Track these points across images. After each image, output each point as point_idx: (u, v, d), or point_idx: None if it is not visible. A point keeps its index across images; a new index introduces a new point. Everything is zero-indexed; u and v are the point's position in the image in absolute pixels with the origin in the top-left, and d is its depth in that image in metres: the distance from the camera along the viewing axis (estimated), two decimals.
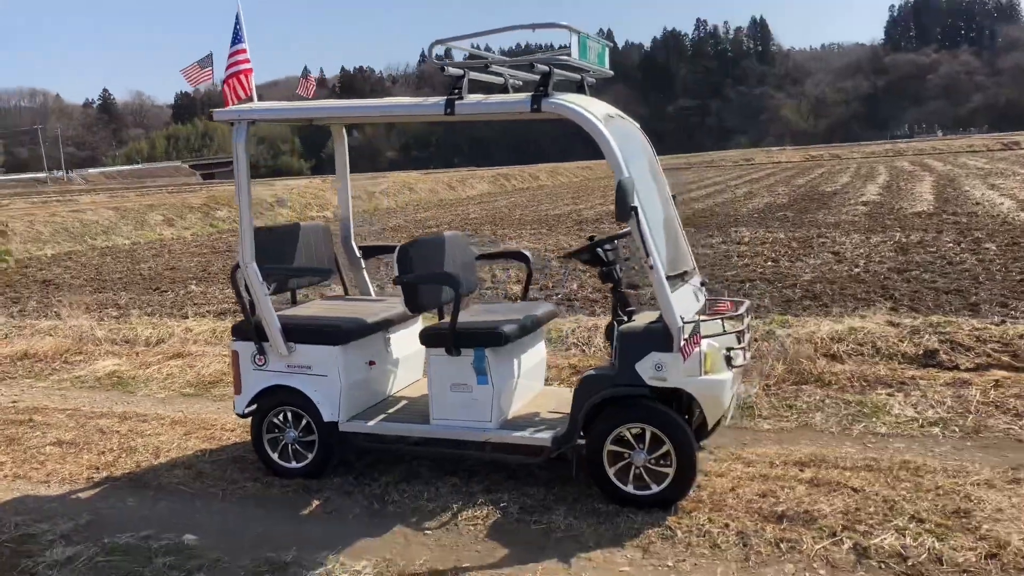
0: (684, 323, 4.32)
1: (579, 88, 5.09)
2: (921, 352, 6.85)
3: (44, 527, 4.62)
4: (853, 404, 5.87)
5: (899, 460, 4.88)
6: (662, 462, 4.43)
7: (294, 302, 5.80)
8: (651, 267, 4.33)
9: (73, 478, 5.39)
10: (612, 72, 5.18)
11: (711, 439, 5.32)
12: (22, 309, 12.31)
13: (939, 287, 9.85)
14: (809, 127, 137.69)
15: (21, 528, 4.63)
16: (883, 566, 3.78)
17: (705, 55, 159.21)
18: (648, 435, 4.42)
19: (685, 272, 4.76)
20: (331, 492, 4.93)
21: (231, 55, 5.36)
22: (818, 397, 6.03)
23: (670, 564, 3.93)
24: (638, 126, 5.20)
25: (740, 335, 4.64)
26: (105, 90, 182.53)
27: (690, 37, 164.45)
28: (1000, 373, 6.19)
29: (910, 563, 3.77)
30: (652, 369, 4.40)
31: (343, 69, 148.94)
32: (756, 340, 7.10)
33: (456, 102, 4.55)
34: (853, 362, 6.73)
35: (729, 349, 4.54)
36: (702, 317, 4.50)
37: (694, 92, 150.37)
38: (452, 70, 4.54)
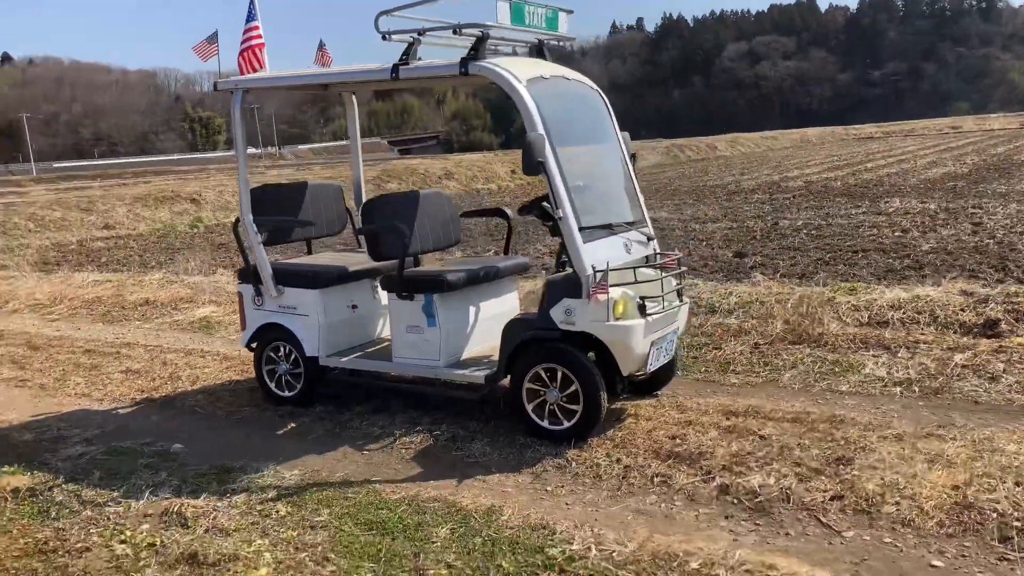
0: (595, 271, 4.61)
1: (538, 53, 5.42)
2: (981, 322, 6.62)
3: (77, 431, 5.61)
4: (828, 363, 5.86)
5: (829, 414, 4.92)
6: (572, 400, 4.75)
7: (309, 253, 6.51)
8: (559, 218, 4.64)
9: (121, 397, 6.39)
10: (573, 37, 5.46)
11: (666, 388, 5.55)
12: (186, 267, 13.92)
13: None
14: None
15: (61, 431, 5.64)
16: (736, 501, 3.97)
17: (918, 15, 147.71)
18: (560, 375, 4.76)
19: (612, 224, 5.00)
20: (308, 417, 5.61)
21: (245, 31, 6.07)
22: (800, 356, 6.04)
23: (549, 489, 4.29)
24: (593, 87, 5.45)
25: (663, 286, 4.86)
26: None
27: None
28: None
29: (759, 499, 3.94)
30: (563, 314, 4.72)
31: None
32: (767, 302, 7.12)
33: (400, 67, 5.02)
34: (895, 329, 6.59)
35: (643, 299, 4.77)
36: (616, 265, 4.74)
37: (905, 55, 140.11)
38: (397, 38, 4.99)
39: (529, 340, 4.85)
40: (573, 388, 4.73)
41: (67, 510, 4.31)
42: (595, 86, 5.49)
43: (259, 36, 6.09)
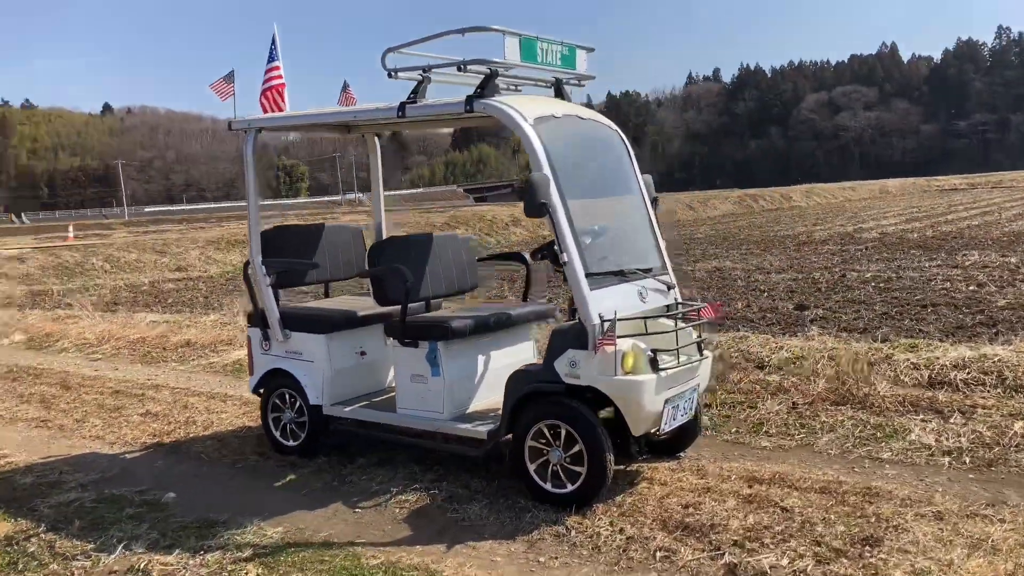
0: (602, 321, 4.27)
1: (557, 92, 5.16)
2: None
3: (78, 475, 5.46)
4: (871, 427, 5.34)
5: (863, 486, 4.43)
6: (576, 461, 4.38)
7: (327, 296, 6.32)
8: (564, 263, 4.33)
9: (133, 440, 6.25)
10: (592, 76, 5.20)
11: (690, 450, 5.14)
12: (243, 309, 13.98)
13: None
14: None
15: (62, 474, 5.50)
16: None
17: (1007, 65, 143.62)
18: (563, 433, 4.40)
19: (626, 271, 4.65)
20: (309, 468, 5.34)
21: (267, 71, 6.01)
22: (840, 419, 5.54)
23: (542, 560, 3.92)
24: (612, 128, 5.15)
25: (679, 338, 4.49)
26: None
27: (989, 46, 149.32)
28: None
29: None
30: (567, 366, 4.38)
31: (609, 94, 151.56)
32: (819, 358, 6.63)
33: (407, 105, 4.82)
34: (960, 392, 6.04)
35: (655, 352, 4.40)
36: (625, 315, 4.39)
37: (992, 106, 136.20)
38: (404, 75, 4.80)
39: (532, 394, 4.51)
40: (577, 448, 4.36)
41: (36, 562, 4.11)
42: (615, 127, 5.19)
43: (280, 76, 6.02)
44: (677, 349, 4.51)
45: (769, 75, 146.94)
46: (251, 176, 5.59)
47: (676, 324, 4.55)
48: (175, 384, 8.09)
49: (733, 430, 5.58)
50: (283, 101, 5.95)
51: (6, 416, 7.24)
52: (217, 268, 23.64)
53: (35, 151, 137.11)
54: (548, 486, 4.47)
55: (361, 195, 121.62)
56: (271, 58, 6.00)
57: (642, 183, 5.11)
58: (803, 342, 7.69)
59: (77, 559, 4.11)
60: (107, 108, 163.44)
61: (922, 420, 5.38)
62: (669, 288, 4.93)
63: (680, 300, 4.96)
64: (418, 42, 4.66)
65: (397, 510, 4.61)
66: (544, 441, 4.48)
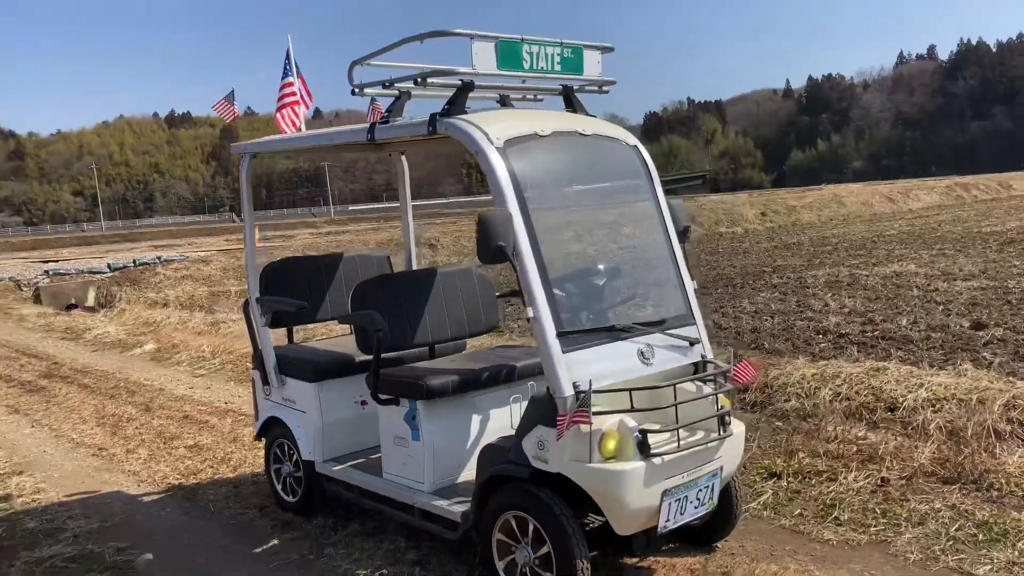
0: (578, 392, 3.42)
1: (566, 101, 4.32)
2: None
3: (78, 524, 5.22)
4: (973, 524, 4.09)
5: None
6: (546, 565, 3.54)
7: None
8: (528, 319, 3.50)
9: (159, 481, 5.97)
10: (612, 80, 4.30)
11: (732, 539, 4.15)
12: None
13: None
14: None
15: (65, 520, 5.29)
16: None
17: None
18: (531, 528, 3.57)
19: (625, 326, 3.73)
20: (297, 533, 4.80)
21: (281, 87, 5.53)
22: (939, 506, 4.31)
23: None
24: (630, 144, 4.21)
25: (678, 414, 3.54)
26: None
27: None
28: None
29: None
30: (535, 446, 3.56)
31: (810, 78, 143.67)
32: (967, 400, 5.35)
33: (377, 127, 4.13)
34: None
35: (644, 433, 3.47)
36: (607, 385, 3.49)
37: None
38: (370, 91, 4.12)
39: (497, 477, 3.71)
40: (546, 549, 3.52)
41: None
42: (634, 142, 4.25)
43: (294, 94, 5.52)
44: (677, 428, 3.55)
45: (994, 50, 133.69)
46: (246, 203, 5.11)
47: (674, 393, 3.58)
48: (247, 411, 7.85)
49: (796, 512, 4.50)
50: (298, 119, 5.45)
51: (76, 440, 7.24)
52: None
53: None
54: None
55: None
56: (285, 73, 5.50)
57: (666, 210, 4.16)
58: (952, 378, 6.36)
59: None
60: (317, 113, 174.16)
61: None
62: (692, 344, 3.95)
63: (707, 359, 3.96)
64: (380, 52, 3.96)
65: None
66: (512, 535, 3.67)
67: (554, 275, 3.61)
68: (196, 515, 5.28)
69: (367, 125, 4.22)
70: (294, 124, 5.53)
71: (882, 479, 4.69)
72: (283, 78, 5.63)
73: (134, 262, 26.10)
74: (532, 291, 3.50)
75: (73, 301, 20.82)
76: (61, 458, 6.74)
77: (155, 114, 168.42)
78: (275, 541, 4.74)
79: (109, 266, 25.57)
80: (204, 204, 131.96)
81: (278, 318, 5.09)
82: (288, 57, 5.59)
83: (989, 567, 3.74)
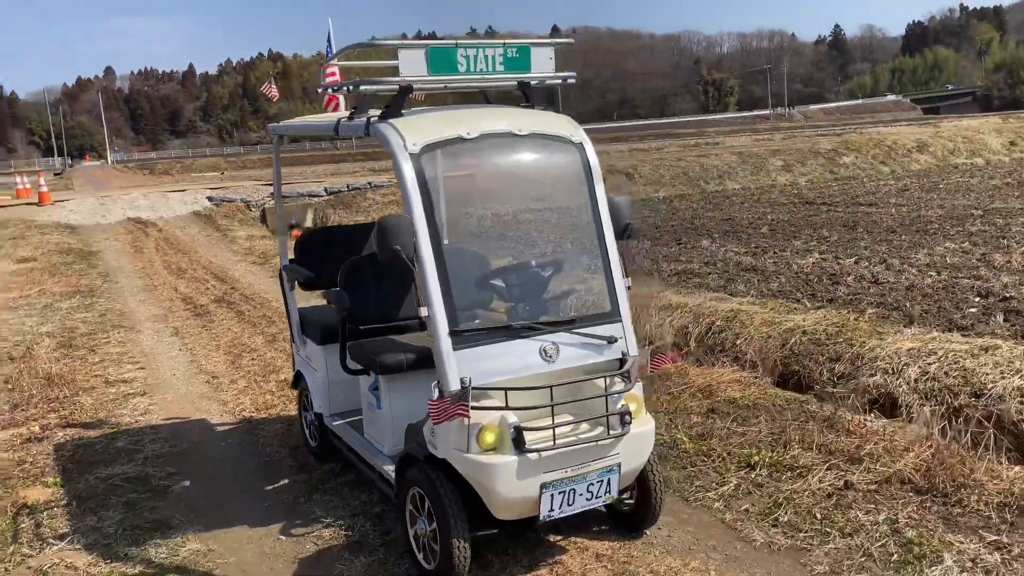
0: (464, 387, 3.70)
1: (524, 98, 4.45)
2: None
3: (154, 447, 6.15)
4: (899, 542, 3.92)
5: None
6: (435, 539, 3.89)
7: None
8: (423, 317, 3.79)
9: (238, 412, 6.84)
10: (571, 73, 4.39)
11: (663, 528, 4.30)
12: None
13: None
14: None
15: (143, 443, 6.23)
16: None
17: None
18: (427, 505, 3.93)
19: (511, 326, 3.89)
20: (305, 476, 5.44)
21: (324, 66, 5.99)
22: (879, 519, 4.15)
23: None
24: (573, 141, 4.24)
25: (554, 412, 3.72)
26: (836, 26, 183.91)
27: None
28: None
29: None
30: (430, 432, 3.88)
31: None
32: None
33: (341, 123, 4.50)
34: None
35: (519, 430, 3.68)
36: (513, 381, 3.72)
37: None
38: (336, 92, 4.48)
39: (406, 455, 4.07)
40: (435, 525, 3.87)
41: (24, 545, 4.74)
42: (579, 139, 4.25)
43: (334, 74, 5.95)
44: (553, 427, 3.72)
45: None
46: (276, 179, 5.66)
47: (551, 392, 3.74)
48: None
49: (744, 508, 4.49)
50: (338, 98, 5.90)
51: (201, 365, 8.32)
52: None
53: None
54: (420, 557, 4.05)
55: (792, 110, 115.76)
56: (328, 54, 5.94)
57: (604, 208, 4.20)
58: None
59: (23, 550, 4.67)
60: (555, 29, 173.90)
61: (965, 545, 3.82)
62: (611, 342, 4.04)
63: (628, 355, 4.05)
64: (330, 59, 4.29)
65: (309, 545, 4.52)
66: (419, 508, 4.04)
67: (459, 277, 3.85)
68: (246, 449, 6.06)
69: (338, 119, 4.59)
70: (337, 104, 5.98)
71: (845, 482, 4.54)
72: (328, 58, 6.06)
73: (347, 187, 28.10)
74: (428, 291, 3.76)
75: (294, 222, 23.01)
76: (181, 382, 7.83)
77: None
78: (285, 481, 5.41)
79: (326, 190, 27.74)
80: None
81: (311, 282, 5.67)
82: (329, 40, 6.02)
83: None
